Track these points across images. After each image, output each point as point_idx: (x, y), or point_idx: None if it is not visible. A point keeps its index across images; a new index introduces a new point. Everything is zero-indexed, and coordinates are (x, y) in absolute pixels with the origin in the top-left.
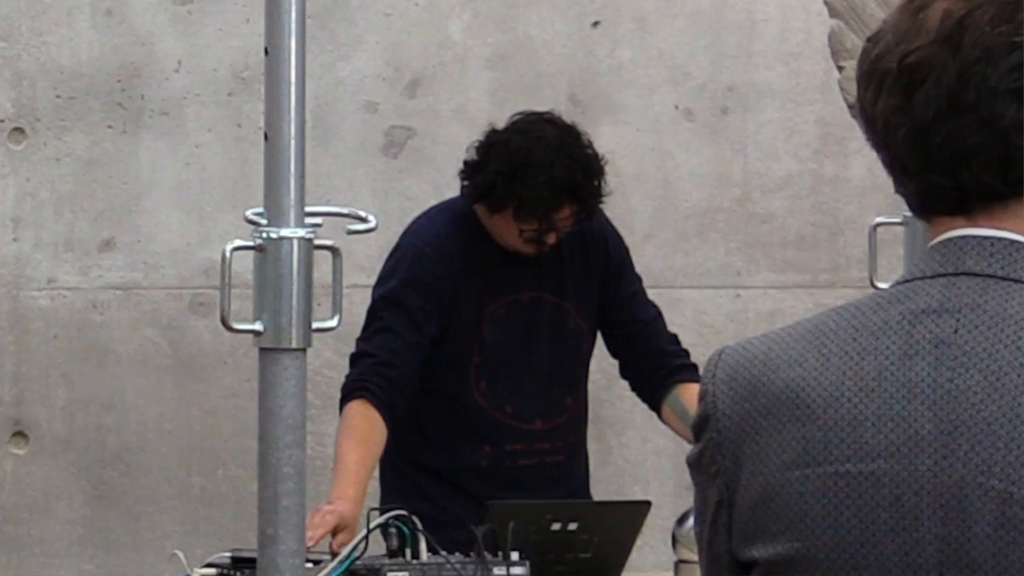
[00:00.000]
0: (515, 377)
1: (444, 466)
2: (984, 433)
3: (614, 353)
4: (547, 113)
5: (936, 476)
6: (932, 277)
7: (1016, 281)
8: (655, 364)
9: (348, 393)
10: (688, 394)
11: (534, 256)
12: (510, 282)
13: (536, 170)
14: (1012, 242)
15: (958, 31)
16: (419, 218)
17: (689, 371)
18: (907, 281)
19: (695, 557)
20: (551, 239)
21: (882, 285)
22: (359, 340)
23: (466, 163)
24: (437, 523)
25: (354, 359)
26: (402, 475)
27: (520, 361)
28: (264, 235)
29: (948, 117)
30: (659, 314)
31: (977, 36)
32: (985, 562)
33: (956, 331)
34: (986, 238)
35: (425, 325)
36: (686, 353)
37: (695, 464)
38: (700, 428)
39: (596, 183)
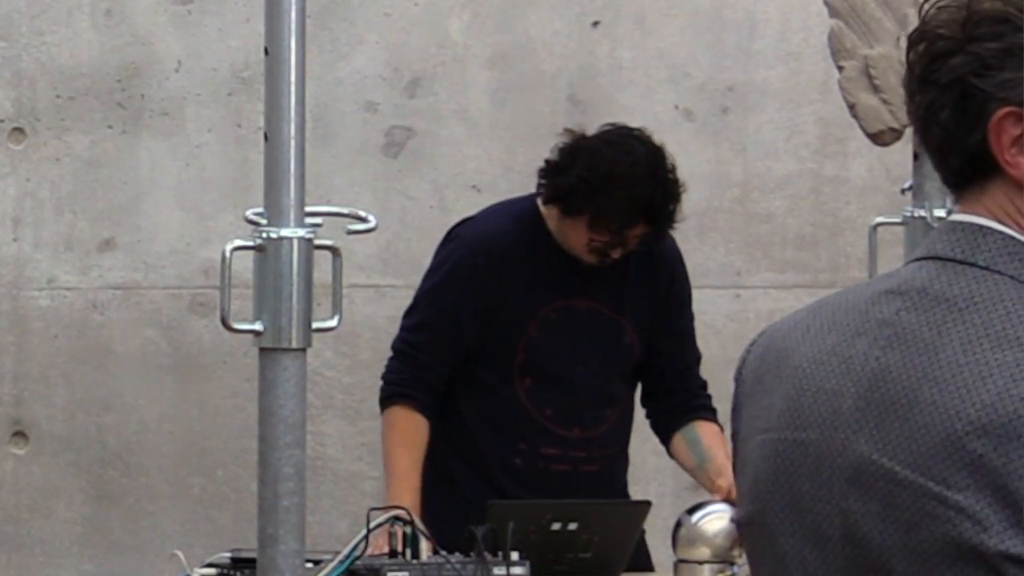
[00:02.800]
0: (559, 382)
1: (478, 461)
2: (887, 412)
3: (641, 378)
4: (636, 129)
5: (846, 450)
6: (914, 260)
7: (971, 265)
8: (679, 400)
9: (390, 396)
10: (703, 428)
11: (596, 266)
12: (567, 288)
13: (620, 184)
14: (980, 227)
15: (916, 18)
16: (480, 212)
17: (710, 412)
18: (905, 265)
19: (695, 557)
20: (616, 254)
21: None
22: (403, 329)
23: (548, 163)
24: (465, 521)
25: (396, 351)
26: (437, 470)
27: (566, 367)
28: (264, 235)
29: (910, 102)
30: (699, 359)
31: (922, 25)
32: (874, 539)
33: (898, 312)
34: (958, 223)
35: (466, 321)
36: (710, 398)
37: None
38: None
39: (673, 207)
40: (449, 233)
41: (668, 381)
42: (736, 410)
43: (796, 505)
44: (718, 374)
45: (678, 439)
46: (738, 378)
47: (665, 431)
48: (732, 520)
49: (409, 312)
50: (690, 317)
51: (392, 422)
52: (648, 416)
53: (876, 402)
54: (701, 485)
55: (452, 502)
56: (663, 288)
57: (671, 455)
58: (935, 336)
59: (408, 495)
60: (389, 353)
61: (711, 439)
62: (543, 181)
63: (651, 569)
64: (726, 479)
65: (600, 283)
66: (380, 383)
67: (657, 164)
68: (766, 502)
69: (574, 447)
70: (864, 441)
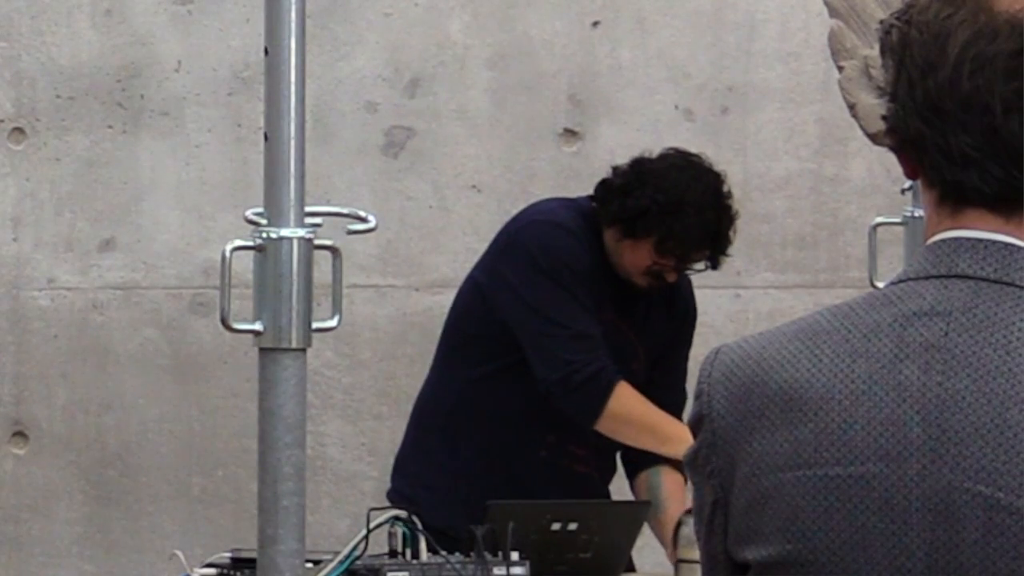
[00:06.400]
0: None
1: (501, 452)
2: (972, 438)
3: None
4: (695, 155)
5: (925, 480)
6: (925, 278)
7: (1008, 284)
8: None
9: (611, 377)
10: (667, 476)
11: (636, 287)
12: (602, 299)
13: (692, 210)
14: (1006, 245)
15: None
16: (547, 203)
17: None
18: (901, 282)
19: (696, 557)
20: (671, 278)
21: (881, 285)
22: (560, 318)
23: (607, 183)
24: (469, 512)
25: (579, 336)
26: (448, 452)
27: None
28: (264, 235)
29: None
30: (684, 402)
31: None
32: (973, 567)
33: (946, 334)
34: (979, 240)
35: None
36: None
37: (691, 463)
38: (696, 427)
39: (733, 231)
40: (534, 220)
41: None
42: (717, 447)
43: (860, 542)
44: None
45: (642, 479)
46: (708, 414)
47: (632, 467)
48: (748, 560)
49: (554, 302)
50: (686, 359)
51: (630, 398)
52: (619, 449)
53: (953, 429)
54: (651, 529)
55: (458, 490)
56: (676, 324)
57: (631, 489)
58: (1004, 358)
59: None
60: (388, 353)
61: (671, 488)
62: (601, 201)
63: (632, 570)
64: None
65: (626, 304)
66: (578, 374)
67: (720, 191)
68: (815, 541)
69: (594, 451)
70: (949, 469)
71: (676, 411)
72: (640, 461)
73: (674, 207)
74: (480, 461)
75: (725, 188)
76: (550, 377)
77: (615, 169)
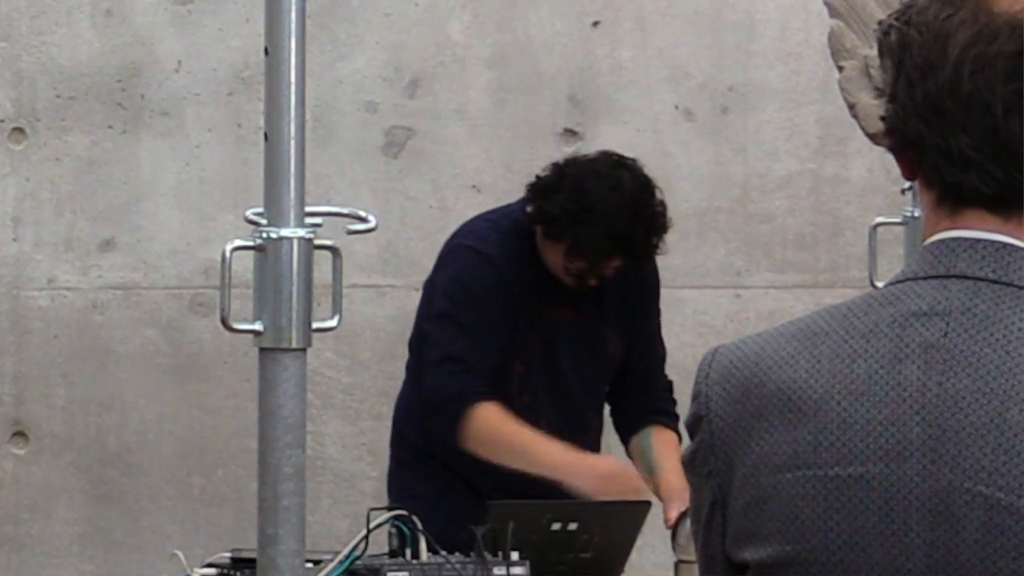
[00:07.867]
0: (552, 394)
1: (470, 469)
2: (972, 438)
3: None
4: (629, 159)
5: (924, 480)
6: (924, 279)
7: (1008, 284)
8: (641, 401)
9: (468, 399)
10: (657, 436)
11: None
12: (555, 299)
13: (600, 218)
14: (1005, 245)
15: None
16: (475, 222)
17: (669, 417)
18: (899, 282)
19: (694, 558)
20: (592, 281)
21: (881, 285)
22: (439, 343)
23: (538, 179)
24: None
25: (445, 360)
26: (427, 477)
27: (557, 378)
28: (264, 235)
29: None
30: (664, 357)
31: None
32: (973, 568)
33: (946, 335)
34: (978, 240)
35: (499, 327)
36: (674, 402)
37: (689, 463)
38: (693, 428)
39: (654, 242)
40: (457, 247)
41: (632, 379)
42: (715, 447)
43: (859, 543)
44: None
45: (634, 443)
46: (706, 415)
47: (624, 433)
48: (747, 561)
49: (440, 324)
50: (658, 313)
51: (494, 419)
52: (611, 414)
53: (952, 429)
54: (654, 494)
55: (441, 504)
56: (635, 290)
57: (627, 454)
58: (1004, 358)
59: (567, 451)
60: (388, 353)
61: (662, 449)
62: (529, 201)
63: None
64: (673, 502)
65: (583, 294)
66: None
67: (643, 199)
68: (814, 542)
69: None
70: (949, 469)
71: (660, 368)
72: (629, 426)
73: (583, 215)
74: (452, 474)
75: (653, 197)
76: (422, 405)
77: (554, 165)
